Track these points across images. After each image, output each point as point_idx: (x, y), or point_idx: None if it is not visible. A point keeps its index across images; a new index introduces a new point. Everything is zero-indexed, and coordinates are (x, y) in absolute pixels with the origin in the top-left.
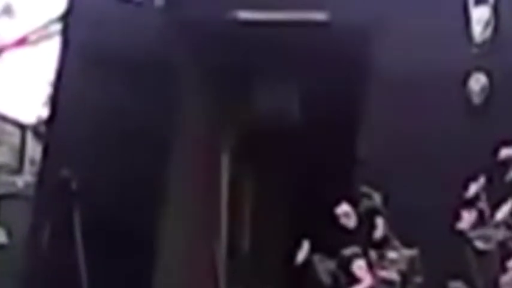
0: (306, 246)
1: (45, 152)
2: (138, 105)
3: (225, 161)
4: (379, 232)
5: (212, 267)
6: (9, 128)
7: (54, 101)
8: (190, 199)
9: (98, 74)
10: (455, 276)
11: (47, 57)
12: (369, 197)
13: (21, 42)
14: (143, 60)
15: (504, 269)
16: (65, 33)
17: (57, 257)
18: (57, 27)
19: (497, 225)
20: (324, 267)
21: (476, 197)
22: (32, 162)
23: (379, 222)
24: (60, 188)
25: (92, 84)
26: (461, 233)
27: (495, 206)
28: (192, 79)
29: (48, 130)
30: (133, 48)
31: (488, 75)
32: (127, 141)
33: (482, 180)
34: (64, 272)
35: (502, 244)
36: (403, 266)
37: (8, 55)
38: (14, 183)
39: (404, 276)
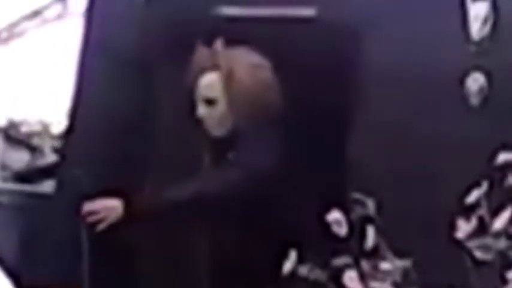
0: (293, 255)
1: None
2: (117, 103)
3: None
4: (369, 242)
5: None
6: None
7: (75, 106)
8: None
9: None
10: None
11: (18, 56)
12: (362, 204)
13: None
14: (124, 57)
15: (504, 281)
16: (86, 33)
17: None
18: (29, 24)
19: (497, 234)
20: (313, 278)
21: (477, 204)
22: (3, 167)
23: (370, 231)
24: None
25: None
26: (459, 243)
27: (494, 214)
28: (176, 77)
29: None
30: (114, 44)
31: (487, 74)
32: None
33: (485, 185)
34: None
35: (501, 254)
36: (397, 277)
37: None
38: None
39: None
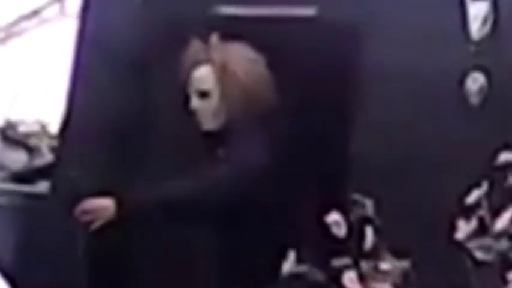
0: (292, 256)
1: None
2: (111, 102)
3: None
4: (368, 242)
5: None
6: None
7: (70, 106)
8: None
9: None
10: None
11: (16, 55)
12: (361, 204)
13: None
14: (121, 57)
15: (505, 282)
16: (81, 32)
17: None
18: (27, 24)
19: (497, 235)
20: (312, 279)
21: (477, 204)
22: (1, 167)
23: (369, 232)
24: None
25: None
26: (459, 243)
27: (494, 214)
28: (172, 76)
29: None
30: (111, 44)
31: (487, 74)
32: None
33: (485, 186)
34: None
35: (502, 255)
36: (396, 278)
37: None
38: None
39: None
